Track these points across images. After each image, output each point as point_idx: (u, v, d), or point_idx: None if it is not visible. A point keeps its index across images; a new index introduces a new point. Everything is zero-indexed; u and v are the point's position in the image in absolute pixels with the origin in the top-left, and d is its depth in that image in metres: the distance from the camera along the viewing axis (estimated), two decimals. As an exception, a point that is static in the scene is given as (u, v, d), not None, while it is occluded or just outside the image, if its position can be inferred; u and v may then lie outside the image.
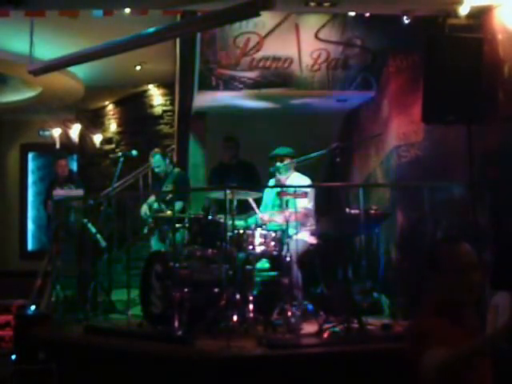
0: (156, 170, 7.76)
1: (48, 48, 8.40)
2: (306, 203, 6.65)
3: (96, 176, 13.57)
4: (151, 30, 6.46)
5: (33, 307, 7.74)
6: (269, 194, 6.99)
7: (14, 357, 6.63)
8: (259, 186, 7.45)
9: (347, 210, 5.97)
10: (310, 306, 6.08)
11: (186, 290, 5.82)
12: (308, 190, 6.47)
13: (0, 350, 8.82)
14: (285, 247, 6.13)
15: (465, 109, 5.80)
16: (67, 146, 13.32)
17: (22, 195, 14.78)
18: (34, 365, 5.75)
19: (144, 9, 6.79)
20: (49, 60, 7.64)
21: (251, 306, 5.90)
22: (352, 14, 7.04)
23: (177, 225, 6.38)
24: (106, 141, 14.12)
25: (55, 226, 7.39)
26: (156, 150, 7.80)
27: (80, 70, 10.96)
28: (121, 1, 6.44)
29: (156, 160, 7.66)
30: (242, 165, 8.06)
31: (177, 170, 7.87)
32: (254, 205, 6.73)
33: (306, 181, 6.91)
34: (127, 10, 6.66)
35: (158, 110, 13.23)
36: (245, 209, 6.84)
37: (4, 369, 6.39)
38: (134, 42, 6.72)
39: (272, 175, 7.02)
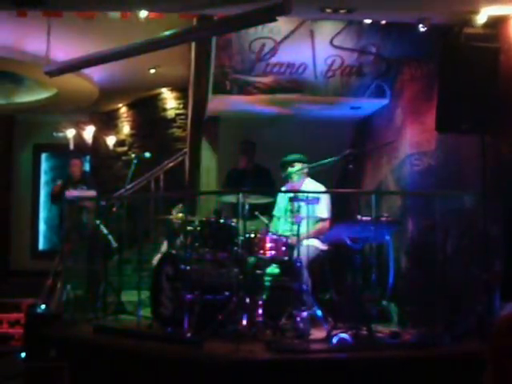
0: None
1: (64, 49, 8.46)
2: (323, 213, 6.68)
3: (108, 178, 13.63)
4: (167, 33, 6.49)
5: (43, 306, 7.77)
6: (282, 199, 7.01)
7: (23, 355, 6.66)
8: (271, 190, 7.46)
9: (359, 216, 5.97)
10: (319, 312, 6.07)
11: (196, 292, 5.83)
12: (320, 196, 6.48)
13: (10, 348, 8.87)
14: (295, 252, 6.13)
15: (479, 118, 5.79)
16: (81, 147, 13.41)
17: (34, 195, 14.87)
18: (45, 362, 5.77)
19: (160, 12, 6.83)
20: (65, 61, 7.68)
21: (260, 311, 5.90)
22: (368, 21, 7.05)
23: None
24: (119, 143, 14.17)
25: (67, 226, 7.42)
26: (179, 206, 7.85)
27: (95, 72, 11.02)
28: (137, 3, 6.48)
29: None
30: (257, 169, 8.10)
31: None
32: (262, 217, 6.74)
33: (320, 188, 6.93)
34: (143, 13, 6.70)
35: (170, 114, 13.27)
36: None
37: (14, 367, 6.43)
38: (150, 44, 6.76)
39: (285, 181, 7.05)
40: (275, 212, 7.11)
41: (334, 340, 5.44)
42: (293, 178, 6.93)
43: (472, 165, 6.21)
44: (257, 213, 6.58)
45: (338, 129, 8.48)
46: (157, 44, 6.73)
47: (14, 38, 9.55)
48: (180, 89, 12.64)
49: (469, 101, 5.77)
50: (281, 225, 6.91)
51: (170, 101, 13.30)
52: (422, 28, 6.42)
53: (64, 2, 6.43)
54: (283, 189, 7.20)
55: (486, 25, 6.20)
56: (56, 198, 9.08)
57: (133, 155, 7.87)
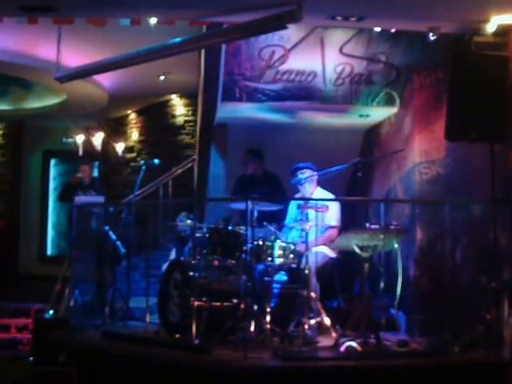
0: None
1: (74, 56, 8.50)
2: (332, 220, 6.68)
3: (117, 184, 13.67)
4: (177, 40, 6.51)
5: (51, 311, 7.79)
6: (292, 208, 7.02)
7: (31, 360, 6.68)
8: (280, 197, 7.46)
9: (367, 224, 5.97)
10: (328, 320, 6.06)
11: (204, 299, 5.84)
12: (329, 204, 6.47)
13: (18, 353, 8.89)
14: (303, 260, 6.13)
15: (488, 127, 5.79)
16: (90, 153, 13.44)
17: (42, 201, 14.92)
18: (54, 368, 5.79)
19: (171, 19, 6.85)
20: (75, 68, 7.71)
21: (268, 318, 5.91)
22: (377, 29, 7.06)
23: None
24: (128, 149, 14.22)
25: (76, 232, 7.44)
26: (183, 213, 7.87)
27: (104, 79, 11.07)
28: (148, 11, 6.51)
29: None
30: (267, 176, 8.11)
31: None
32: (270, 226, 6.74)
33: (329, 196, 6.93)
34: (154, 20, 6.73)
35: (179, 120, 13.32)
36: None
37: (22, 372, 6.45)
38: (160, 51, 6.77)
39: (295, 189, 7.05)
40: (286, 221, 7.11)
41: (342, 348, 5.44)
42: (302, 186, 6.93)
43: (481, 173, 6.19)
44: (265, 223, 6.57)
45: (346, 137, 8.48)
46: (167, 51, 6.74)
47: (24, 44, 9.61)
48: (189, 95, 12.69)
49: (478, 109, 5.77)
50: (291, 233, 6.92)
51: (179, 107, 13.35)
52: (432, 37, 6.42)
53: (75, 9, 6.47)
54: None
55: (496, 33, 6.20)
56: (67, 193, 9.14)
57: (142, 161, 7.85)
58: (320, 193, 7.00)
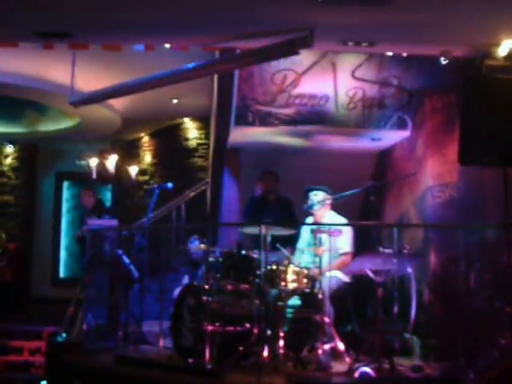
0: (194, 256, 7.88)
1: (88, 80, 8.57)
2: (345, 246, 6.68)
3: (130, 207, 13.70)
4: (190, 65, 6.57)
5: (64, 334, 7.79)
6: (305, 232, 7.01)
7: (43, 383, 6.68)
8: (293, 222, 7.46)
9: (381, 249, 5.96)
10: (341, 345, 6.03)
11: (217, 323, 5.83)
12: (343, 229, 6.47)
13: (30, 376, 8.90)
14: (317, 284, 6.12)
15: (501, 150, 5.78)
16: (103, 176, 13.49)
17: (55, 223, 14.95)
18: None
19: (184, 45, 6.91)
20: (89, 92, 7.78)
21: (282, 343, 5.87)
22: (389, 53, 7.09)
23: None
24: (141, 172, 14.25)
25: (89, 255, 7.46)
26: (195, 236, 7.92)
27: (118, 102, 11.13)
28: (161, 36, 6.58)
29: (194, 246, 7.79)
30: (279, 200, 8.12)
31: None
32: (284, 250, 6.74)
33: (342, 221, 6.92)
34: (167, 46, 6.79)
35: (192, 143, 13.35)
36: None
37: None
38: (173, 76, 6.84)
39: (308, 213, 7.06)
40: (299, 244, 7.12)
41: (356, 373, 5.41)
42: (314, 210, 6.93)
43: (494, 197, 6.18)
44: (278, 245, 6.58)
45: (359, 160, 8.49)
46: (180, 76, 6.81)
47: (39, 68, 9.69)
48: (202, 118, 12.72)
49: (491, 133, 5.76)
50: (304, 257, 6.91)
51: (191, 130, 13.39)
52: (443, 60, 6.45)
53: (89, 35, 6.54)
54: (306, 221, 7.20)
55: (507, 57, 6.22)
56: (80, 242, 9.23)
57: (155, 185, 7.89)
58: (331, 216, 6.99)
